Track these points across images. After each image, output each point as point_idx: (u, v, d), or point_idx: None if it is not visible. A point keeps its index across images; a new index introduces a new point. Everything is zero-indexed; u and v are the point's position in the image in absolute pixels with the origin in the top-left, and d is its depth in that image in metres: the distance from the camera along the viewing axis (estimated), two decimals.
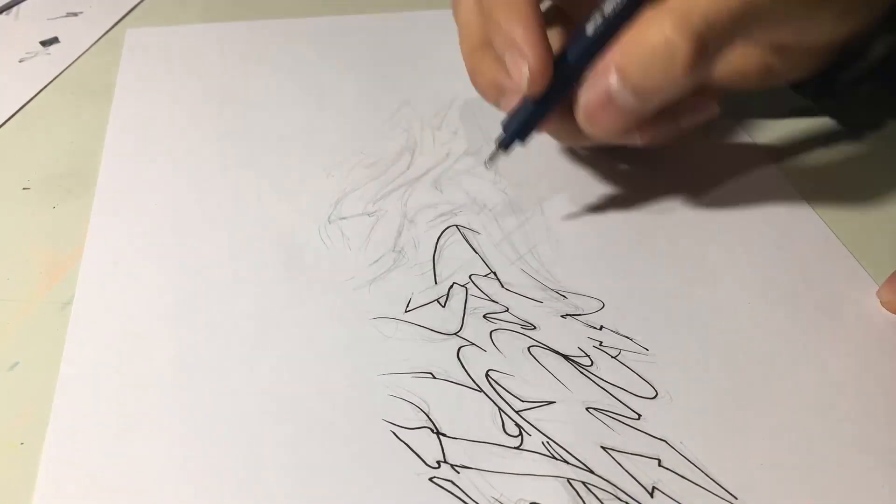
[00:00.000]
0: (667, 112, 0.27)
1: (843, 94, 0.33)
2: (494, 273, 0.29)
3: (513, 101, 0.28)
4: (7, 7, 0.50)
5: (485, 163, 0.29)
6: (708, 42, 0.24)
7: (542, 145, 0.35)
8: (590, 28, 0.26)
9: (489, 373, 0.25)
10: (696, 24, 0.23)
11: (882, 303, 0.27)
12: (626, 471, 0.22)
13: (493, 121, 0.37)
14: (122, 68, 0.42)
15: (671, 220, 0.31)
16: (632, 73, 0.25)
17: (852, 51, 0.30)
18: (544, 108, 0.28)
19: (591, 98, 0.26)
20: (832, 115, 0.35)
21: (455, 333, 0.26)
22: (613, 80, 0.25)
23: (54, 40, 0.46)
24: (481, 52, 0.29)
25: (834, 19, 0.27)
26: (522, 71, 0.26)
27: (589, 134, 0.27)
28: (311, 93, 0.39)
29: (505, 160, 0.33)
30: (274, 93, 0.40)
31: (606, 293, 0.28)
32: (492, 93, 0.29)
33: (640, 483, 0.22)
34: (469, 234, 0.30)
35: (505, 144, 0.29)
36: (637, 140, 0.28)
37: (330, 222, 0.31)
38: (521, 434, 0.23)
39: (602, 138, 0.27)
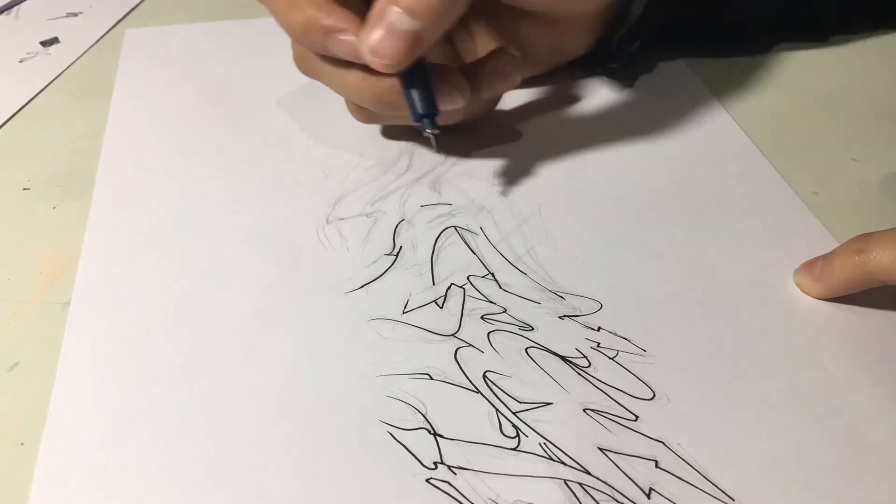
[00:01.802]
0: (470, 78, 0.30)
1: (620, 56, 0.38)
2: (492, 274, 0.29)
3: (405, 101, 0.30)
4: (7, 7, 0.50)
5: (435, 150, 0.32)
6: None
7: (542, 146, 0.35)
8: None
9: (487, 374, 0.25)
10: None
11: (797, 283, 0.28)
12: (624, 472, 0.22)
13: (492, 120, 0.37)
14: (120, 69, 0.42)
15: (669, 221, 0.31)
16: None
17: (617, 17, 0.35)
18: (410, 76, 0.29)
19: (374, 34, 0.27)
20: (624, 81, 0.39)
21: (453, 334, 0.26)
22: (396, 11, 0.26)
23: (54, 40, 0.46)
24: (319, 31, 0.29)
25: None
26: (362, 49, 0.27)
27: (380, 67, 0.27)
28: (310, 93, 0.39)
29: (497, 160, 0.34)
30: (273, 93, 0.40)
31: (604, 294, 0.28)
32: (362, 115, 0.33)
33: (637, 484, 0.22)
34: (467, 236, 0.30)
35: (432, 126, 0.30)
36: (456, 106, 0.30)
37: (328, 223, 0.31)
38: (518, 435, 0.23)
39: (394, 68, 0.28)
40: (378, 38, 0.27)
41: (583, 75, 0.40)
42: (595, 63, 0.39)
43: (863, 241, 0.26)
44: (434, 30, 0.28)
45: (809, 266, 0.28)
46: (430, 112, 0.29)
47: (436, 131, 0.30)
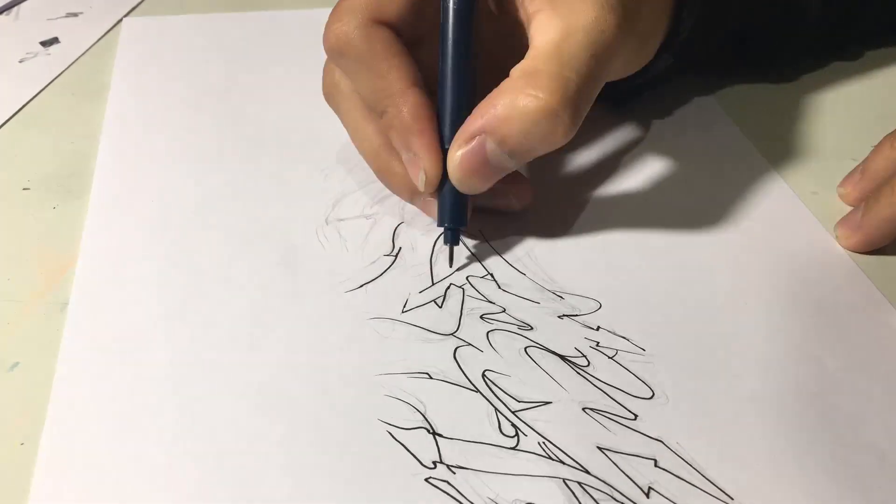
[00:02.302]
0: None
1: (625, 100, 0.37)
2: (491, 274, 0.29)
3: (429, 201, 0.30)
4: (7, 7, 0.50)
5: (450, 266, 0.29)
6: (582, 110, 0.26)
7: None
8: (446, 102, 0.28)
9: (486, 373, 0.25)
10: (572, 96, 0.25)
11: (839, 195, 0.32)
12: (623, 471, 0.22)
13: None
14: (118, 60, 0.42)
15: (668, 221, 0.31)
16: (512, 140, 0.26)
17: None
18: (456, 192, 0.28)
19: (468, 160, 0.27)
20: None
21: (452, 334, 0.26)
22: (491, 145, 0.26)
23: (54, 40, 0.46)
24: (385, 153, 0.30)
25: (647, 53, 0.32)
26: (420, 176, 0.28)
27: (460, 188, 0.28)
28: (310, 90, 0.39)
29: None
30: (273, 89, 0.40)
31: (603, 294, 0.28)
32: (406, 194, 0.30)
33: (636, 484, 0.22)
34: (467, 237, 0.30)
35: (453, 240, 0.29)
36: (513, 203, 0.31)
37: (327, 223, 0.31)
38: (517, 434, 0.23)
39: (472, 192, 0.28)
40: (467, 169, 0.27)
41: None
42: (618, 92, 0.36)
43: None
44: (525, 162, 0.28)
45: (849, 179, 0.31)
46: (459, 222, 0.29)
47: (456, 244, 0.29)
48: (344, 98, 0.31)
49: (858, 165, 0.31)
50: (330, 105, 0.32)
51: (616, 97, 0.36)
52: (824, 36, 0.39)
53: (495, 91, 0.26)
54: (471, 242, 0.30)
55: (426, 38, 0.29)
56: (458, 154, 0.27)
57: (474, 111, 0.26)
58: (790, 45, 0.39)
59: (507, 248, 0.30)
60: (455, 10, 0.27)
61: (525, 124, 0.25)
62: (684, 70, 0.37)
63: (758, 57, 0.39)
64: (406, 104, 0.27)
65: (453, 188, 0.28)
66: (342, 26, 0.28)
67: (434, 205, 0.29)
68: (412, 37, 0.29)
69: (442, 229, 0.29)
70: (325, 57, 0.30)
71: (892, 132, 0.30)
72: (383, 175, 0.30)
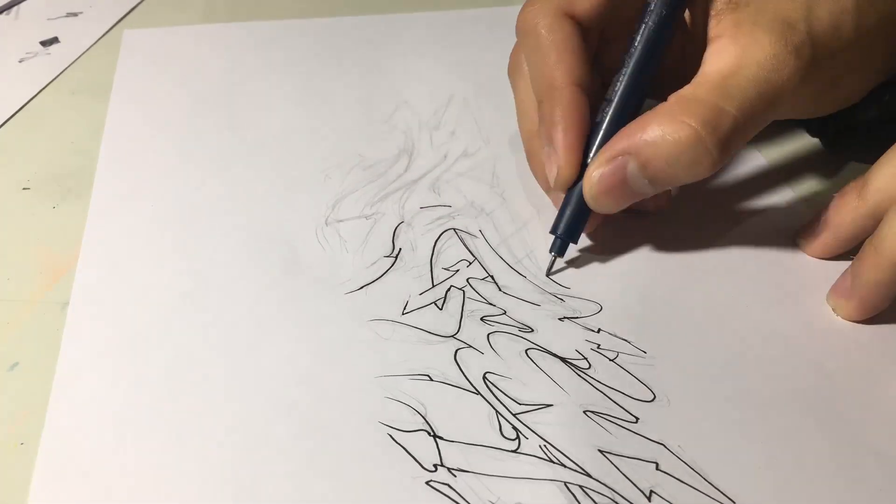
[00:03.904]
0: None
1: (831, 139, 0.34)
2: (492, 276, 0.29)
3: (559, 196, 0.29)
4: (7, 7, 0.50)
5: (546, 274, 0.29)
6: (733, 146, 0.25)
7: None
8: (604, 115, 0.28)
9: (486, 375, 0.25)
10: (727, 130, 0.25)
11: (799, 245, 0.29)
12: (624, 474, 0.22)
13: (491, 121, 0.37)
14: (118, 70, 0.42)
15: (668, 222, 0.31)
16: (655, 165, 0.25)
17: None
18: (584, 205, 0.28)
19: (606, 178, 0.26)
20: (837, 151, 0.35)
21: (452, 336, 0.26)
22: (633, 167, 0.26)
23: (54, 40, 0.46)
24: (538, 140, 0.29)
25: (844, 93, 0.29)
26: (553, 172, 0.28)
27: (592, 206, 0.28)
28: (308, 94, 0.40)
29: (497, 162, 0.34)
30: (271, 94, 0.40)
31: (604, 296, 0.28)
32: (543, 183, 0.30)
33: (637, 487, 0.22)
34: (466, 238, 0.30)
35: (560, 251, 0.29)
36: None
37: (327, 224, 0.31)
38: (518, 437, 0.23)
39: (603, 212, 0.28)
40: (603, 189, 0.27)
41: None
42: (813, 129, 0.35)
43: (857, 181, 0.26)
44: (663, 190, 0.27)
45: (815, 235, 0.28)
46: (570, 238, 0.28)
47: (560, 256, 0.29)
48: (520, 77, 0.31)
49: (819, 214, 0.28)
50: (510, 80, 0.32)
51: (824, 136, 0.34)
52: None
53: (648, 113, 0.26)
54: (470, 238, 0.30)
55: (616, 41, 0.29)
56: (596, 172, 0.26)
57: (622, 130, 0.26)
58: None
59: (508, 250, 0.30)
60: (657, 20, 0.27)
61: (671, 152, 0.25)
62: None
63: None
64: (561, 100, 0.27)
65: (578, 200, 0.28)
66: (534, 10, 0.29)
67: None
68: (605, 34, 0.29)
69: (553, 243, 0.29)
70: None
71: (857, 179, 0.27)
72: (530, 158, 0.31)
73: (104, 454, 0.23)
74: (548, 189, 0.30)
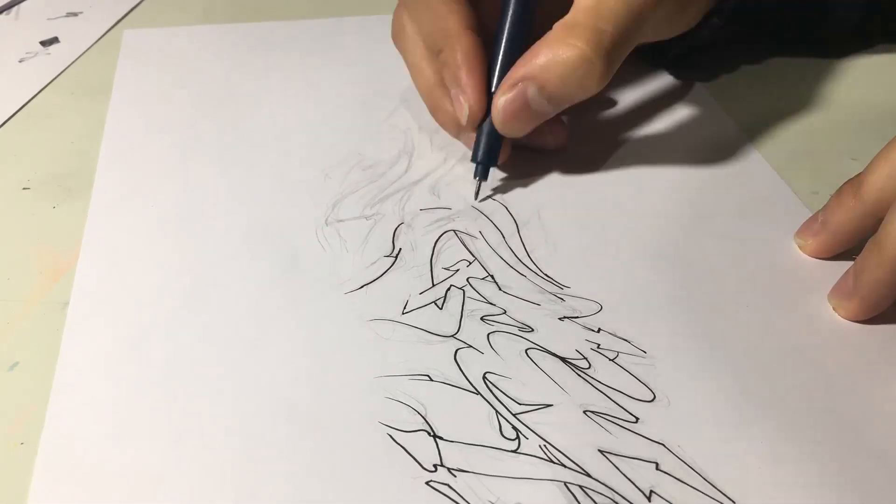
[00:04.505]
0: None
1: (672, 62, 0.40)
2: (492, 276, 0.29)
3: (471, 136, 0.32)
4: (7, 7, 0.50)
5: (475, 199, 0.32)
6: (615, 60, 0.29)
7: (542, 150, 0.35)
8: (499, 49, 0.31)
9: (486, 375, 0.25)
10: (607, 46, 0.29)
11: (798, 246, 0.30)
12: (624, 474, 0.22)
13: None
14: (118, 70, 0.42)
15: (668, 222, 0.31)
16: (551, 85, 0.29)
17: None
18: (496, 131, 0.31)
19: (511, 104, 0.30)
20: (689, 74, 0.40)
21: (452, 335, 0.26)
22: (532, 90, 0.29)
23: (54, 40, 0.46)
24: (438, 90, 0.33)
25: (688, 17, 0.34)
26: (464, 111, 0.31)
27: (502, 131, 0.31)
28: (308, 94, 0.40)
29: (501, 173, 0.34)
30: (271, 94, 0.40)
31: (604, 296, 0.28)
32: (452, 129, 0.34)
33: (637, 487, 0.22)
34: (466, 239, 0.30)
35: (483, 174, 0.32)
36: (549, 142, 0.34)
37: (327, 224, 0.31)
38: (518, 437, 0.23)
39: (513, 135, 0.31)
40: (509, 112, 0.30)
41: None
42: (643, 53, 0.39)
43: (852, 179, 0.27)
44: (562, 109, 0.31)
45: (808, 225, 0.29)
46: (489, 162, 0.32)
47: (484, 180, 0.32)
48: (408, 39, 0.34)
49: (817, 213, 0.29)
50: (396, 45, 0.35)
51: (665, 61, 0.40)
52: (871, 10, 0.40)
53: (538, 42, 0.29)
54: (470, 239, 0.30)
55: None
56: (501, 99, 0.30)
57: (519, 61, 0.30)
58: (839, 15, 0.40)
59: (508, 249, 0.30)
60: None
61: (563, 72, 0.29)
62: (733, 37, 0.39)
63: (806, 26, 0.40)
64: (460, 44, 0.31)
65: (491, 128, 0.31)
66: None
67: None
68: None
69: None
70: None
71: (852, 178, 0.28)
72: (435, 110, 0.34)
73: (104, 454, 0.23)
74: (458, 132, 0.34)
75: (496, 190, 0.33)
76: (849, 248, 0.28)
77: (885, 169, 0.26)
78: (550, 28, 0.30)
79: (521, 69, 0.30)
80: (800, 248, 0.29)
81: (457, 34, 0.31)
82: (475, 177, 0.32)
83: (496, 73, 0.31)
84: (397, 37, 0.35)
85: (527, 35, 0.31)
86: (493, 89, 0.31)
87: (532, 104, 0.30)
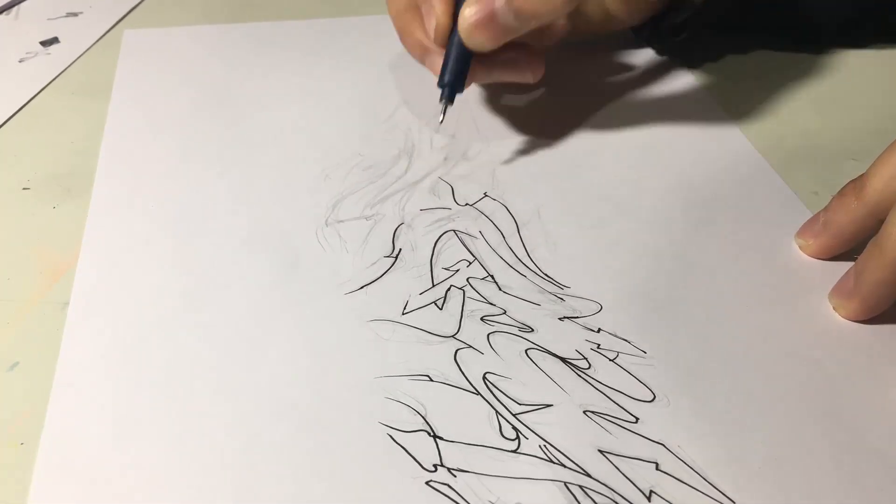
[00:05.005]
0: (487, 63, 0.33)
1: (667, 37, 0.40)
2: (492, 276, 0.29)
3: (437, 60, 0.33)
4: (7, 7, 0.50)
5: (439, 123, 0.34)
6: None
7: (541, 150, 0.35)
8: None
9: (486, 375, 0.25)
10: None
11: (799, 246, 0.29)
12: (624, 474, 0.22)
13: (491, 123, 0.37)
14: (119, 70, 0.42)
15: (669, 222, 0.31)
16: None
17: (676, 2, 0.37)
18: (462, 50, 0.32)
19: (477, 15, 0.30)
20: (672, 57, 0.41)
21: (452, 336, 0.26)
22: (500, 2, 0.30)
23: (54, 40, 0.46)
24: (408, 14, 0.34)
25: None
26: (432, 24, 0.32)
27: (468, 44, 0.31)
28: (308, 94, 0.40)
29: (496, 164, 0.34)
30: (271, 94, 0.40)
31: (604, 296, 0.28)
32: (418, 52, 0.34)
33: (637, 487, 0.22)
34: (466, 239, 0.30)
35: (449, 97, 0.32)
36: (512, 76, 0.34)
37: (327, 225, 0.31)
38: (518, 437, 0.23)
39: (479, 49, 0.31)
40: (474, 21, 0.30)
41: (573, 82, 0.40)
42: (640, 35, 0.41)
43: (855, 180, 0.27)
44: (529, 28, 0.31)
45: (809, 225, 0.29)
46: (455, 87, 0.32)
47: (451, 104, 0.33)
48: None
49: (818, 214, 0.29)
50: None
51: (657, 39, 0.40)
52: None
53: None
54: (470, 239, 0.30)
55: None
56: (467, 10, 0.30)
57: None
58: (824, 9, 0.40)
59: (508, 249, 0.30)
60: None
61: None
62: (718, 25, 0.40)
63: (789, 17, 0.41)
64: None
65: (459, 48, 0.31)
66: None
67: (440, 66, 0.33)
68: None
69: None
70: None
71: (854, 180, 0.28)
72: (402, 34, 0.35)
73: (104, 454, 0.23)
74: (423, 55, 0.34)
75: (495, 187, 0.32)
76: (849, 249, 0.28)
77: (887, 170, 0.26)
78: None
79: None
80: (800, 248, 0.29)
81: None
82: (440, 100, 0.32)
83: None
84: None
85: None
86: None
87: (499, 16, 0.30)
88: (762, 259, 0.29)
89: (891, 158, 0.26)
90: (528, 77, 0.34)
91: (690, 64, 0.41)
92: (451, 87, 0.32)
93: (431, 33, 0.32)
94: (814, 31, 0.42)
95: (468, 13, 0.30)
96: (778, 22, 0.42)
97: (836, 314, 0.27)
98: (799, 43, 0.42)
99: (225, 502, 0.21)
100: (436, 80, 0.33)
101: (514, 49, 0.33)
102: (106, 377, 0.25)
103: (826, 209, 0.29)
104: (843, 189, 0.28)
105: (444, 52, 0.32)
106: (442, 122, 0.33)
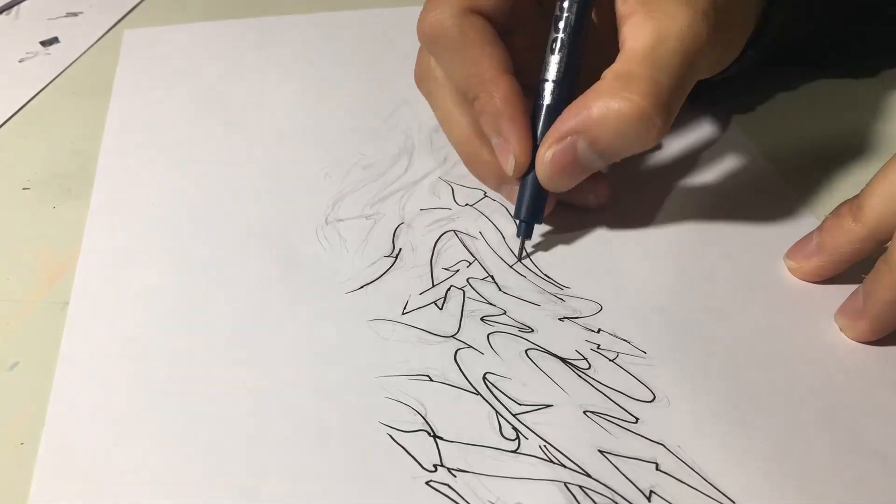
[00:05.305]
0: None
1: (703, 96, 0.36)
2: (492, 276, 0.29)
3: (513, 189, 0.30)
4: (7, 7, 0.50)
5: (517, 260, 0.30)
6: (673, 112, 0.27)
7: None
8: (546, 96, 0.29)
9: (486, 375, 0.25)
10: (665, 98, 0.26)
11: (789, 268, 0.28)
12: (624, 475, 0.22)
13: None
14: (119, 69, 0.42)
15: (669, 222, 0.31)
16: (605, 140, 0.27)
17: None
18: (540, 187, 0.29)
19: (559, 158, 0.27)
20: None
21: (452, 336, 0.26)
22: (582, 145, 0.27)
23: (54, 40, 0.46)
24: (477, 141, 0.30)
25: (733, 55, 0.31)
26: (509, 161, 0.29)
27: (547, 186, 0.29)
28: (308, 91, 0.40)
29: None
30: (271, 91, 0.40)
31: (604, 296, 0.28)
32: (493, 181, 0.31)
33: (637, 487, 0.22)
34: (466, 240, 0.30)
35: (526, 233, 0.30)
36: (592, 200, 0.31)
37: (327, 224, 0.31)
38: (518, 437, 0.23)
39: (557, 190, 0.29)
40: (555, 166, 0.27)
41: None
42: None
43: (850, 202, 0.26)
44: (610, 163, 0.29)
45: (801, 247, 0.28)
46: (534, 219, 0.29)
47: (528, 238, 0.30)
48: (437, 85, 0.31)
49: (809, 235, 0.28)
50: (422, 91, 0.33)
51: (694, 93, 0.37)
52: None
53: (589, 92, 0.27)
54: (470, 239, 0.30)
55: (519, 28, 0.30)
56: (549, 153, 0.27)
57: (566, 111, 0.27)
58: (868, 38, 0.39)
59: (508, 250, 0.30)
60: (576, 4, 0.28)
61: (618, 126, 0.26)
62: (765, 63, 0.37)
63: (836, 51, 0.39)
64: (498, 90, 0.28)
65: (535, 183, 0.29)
66: (437, 14, 0.29)
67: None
68: (505, 25, 0.29)
69: (518, 228, 0.30)
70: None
71: (849, 200, 0.27)
72: (472, 162, 0.31)
73: (104, 454, 0.23)
74: (498, 185, 0.31)
75: (536, 247, 0.30)
76: (841, 272, 0.28)
77: (884, 190, 0.25)
78: (590, 76, 0.27)
79: (570, 121, 0.27)
80: (791, 270, 0.28)
81: (493, 79, 0.28)
82: (518, 235, 0.30)
83: (541, 123, 0.29)
84: (422, 82, 0.32)
85: (573, 82, 0.29)
86: (537, 141, 0.28)
87: (581, 159, 0.27)
88: (761, 259, 0.29)
89: (887, 178, 0.25)
90: (591, 201, 0.31)
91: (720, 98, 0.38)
92: (528, 223, 0.29)
93: (508, 169, 0.29)
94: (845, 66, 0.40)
95: (549, 156, 0.27)
96: (826, 61, 0.40)
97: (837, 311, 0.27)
98: (837, 67, 0.40)
99: (225, 502, 0.21)
100: (511, 208, 0.31)
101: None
102: (106, 377, 0.25)
103: (820, 230, 0.28)
104: (838, 209, 0.27)
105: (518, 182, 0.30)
106: (521, 258, 0.30)
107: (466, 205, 0.32)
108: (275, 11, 0.48)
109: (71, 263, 0.29)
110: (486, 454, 0.23)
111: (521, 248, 0.30)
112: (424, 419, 0.23)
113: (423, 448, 0.23)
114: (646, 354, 0.25)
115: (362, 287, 0.28)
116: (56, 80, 0.42)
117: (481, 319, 0.27)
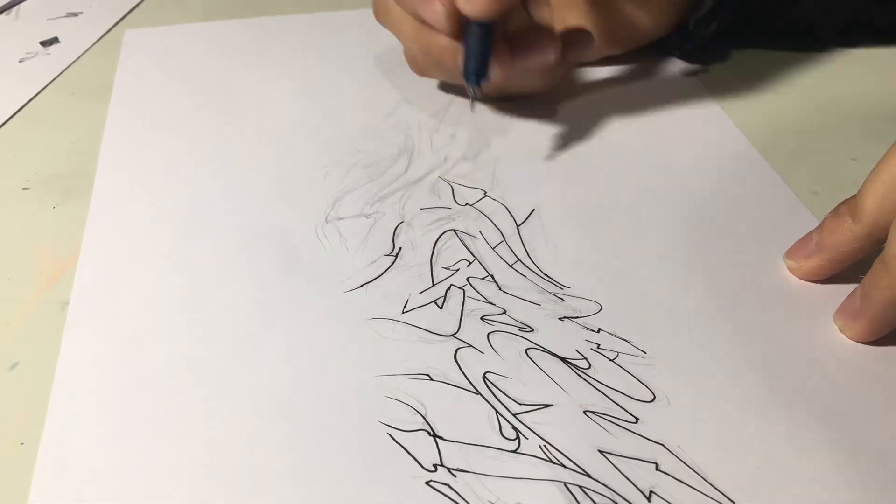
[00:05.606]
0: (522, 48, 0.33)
1: (698, 36, 0.40)
2: (492, 276, 0.29)
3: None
4: (7, 7, 0.50)
5: (472, 105, 0.35)
6: None
7: (541, 150, 0.35)
8: None
9: (486, 375, 0.25)
10: None
11: (789, 268, 0.29)
12: (624, 475, 0.22)
13: (492, 124, 0.37)
14: (119, 69, 0.42)
15: (668, 222, 0.31)
16: None
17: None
18: (480, 35, 0.32)
19: None
20: (702, 63, 0.41)
21: (452, 335, 0.26)
22: None
23: (54, 40, 0.46)
24: (426, 34, 0.33)
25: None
26: (437, 9, 0.31)
27: (466, 11, 0.31)
28: (308, 91, 0.40)
29: (496, 164, 0.34)
30: (271, 92, 0.40)
31: (604, 296, 0.28)
32: (449, 55, 0.33)
33: (637, 487, 0.22)
34: (466, 239, 0.30)
35: (476, 83, 0.32)
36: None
37: (327, 222, 0.31)
38: (518, 437, 0.23)
39: (485, 13, 0.30)
40: None
41: (573, 83, 0.40)
42: (670, 45, 0.41)
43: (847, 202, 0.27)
44: None
45: (802, 246, 0.28)
46: (479, 72, 0.32)
47: (478, 93, 0.33)
48: (390, 9, 0.35)
49: (810, 235, 0.28)
50: (379, 20, 0.37)
51: (683, 52, 0.41)
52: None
53: None
54: (470, 239, 0.30)
55: None
56: None
57: None
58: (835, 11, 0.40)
59: (508, 249, 0.30)
60: None
61: None
62: (734, 32, 0.40)
63: (803, 23, 0.41)
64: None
65: (475, 35, 0.31)
66: None
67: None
68: None
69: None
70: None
71: (847, 199, 0.27)
72: (427, 51, 0.34)
73: (104, 454, 0.23)
74: (453, 59, 0.33)
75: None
76: (840, 271, 0.28)
77: (879, 189, 0.25)
78: None
79: None
80: (790, 270, 0.28)
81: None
82: (467, 81, 0.32)
83: None
84: (379, 13, 0.37)
85: None
86: None
87: None
88: (761, 259, 0.29)
89: (880, 177, 0.25)
90: (550, 56, 0.34)
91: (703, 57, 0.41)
92: (477, 75, 0.32)
93: (437, 24, 0.32)
94: (812, 36, 0.42)
95: None
96: (777, 27, 0.42)
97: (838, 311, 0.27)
98: (798, 46, 0.42)
99: (225, 502, 0.21)
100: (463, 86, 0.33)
101: (533, 31, 0.33)
102: (106, 377, 0.25)
103: (820, 230, 0.28)
104: (837, 209, 0.27)
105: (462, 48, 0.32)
106: (473, 110, 0.34)
107: (466, 204, 0.32)
108: (275, 11, 0.48)
109: (71, 263, 0.29)
110: (487, 454, 0.23)
111: (473, 100, 0.34)
112: (424, 419, 0.23)
113: (423, 448, 0.23)
114: (646, 354, 0.25)
115: (362, 286, 0.28)
116: (56, 80, 0.42)
117: (481, 319, 0.27)
